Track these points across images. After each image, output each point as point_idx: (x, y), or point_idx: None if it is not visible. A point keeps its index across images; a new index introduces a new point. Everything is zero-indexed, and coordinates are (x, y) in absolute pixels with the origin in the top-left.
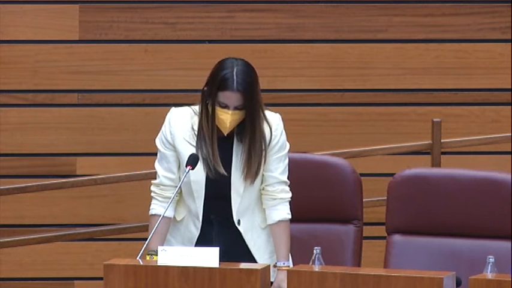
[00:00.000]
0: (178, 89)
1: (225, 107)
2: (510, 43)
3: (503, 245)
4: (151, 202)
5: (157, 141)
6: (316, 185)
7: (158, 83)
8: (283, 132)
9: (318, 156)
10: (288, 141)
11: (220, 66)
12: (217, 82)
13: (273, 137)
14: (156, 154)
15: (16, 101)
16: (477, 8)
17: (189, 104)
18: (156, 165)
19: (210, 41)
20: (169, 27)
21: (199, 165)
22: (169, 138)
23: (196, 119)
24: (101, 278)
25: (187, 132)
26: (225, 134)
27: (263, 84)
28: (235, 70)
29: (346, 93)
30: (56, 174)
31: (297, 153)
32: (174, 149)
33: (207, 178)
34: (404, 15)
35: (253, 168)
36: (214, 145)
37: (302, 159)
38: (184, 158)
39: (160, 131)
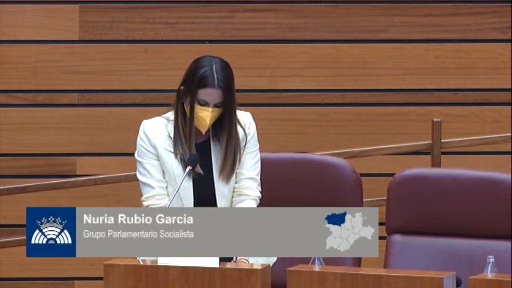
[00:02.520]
0: None
1: (205, 104)
2: (510, 43)
3: (503, 245)
4: None
5: (139, 157)
6: (316, 185)
7: (158, 83)
8: (255, 131)
9: (318, 156)
10: (288, 141)
11: (198, 64)
12: (196, 80)
13: (246, 135)
14: None
15: (16, 101)
16: (477, 8)
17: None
18: (143, 179)
19: (210, 41)
20: (170, 27)
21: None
22: (151, 149)
23: (171, 127)
24: (101, 278)
25: (166, 141)
26: (203, 133)
27: (263, 84)
28: (214, 67)
29: (347, 93)
30: (56, 174)
31: (297, 153)
32: (159, 158)
33: (194, 184)
34: (404, 15)
35: (229, 164)
36: (192, 144)
37: (302, 159)
38: (169, 167)
39: (138, 145)
